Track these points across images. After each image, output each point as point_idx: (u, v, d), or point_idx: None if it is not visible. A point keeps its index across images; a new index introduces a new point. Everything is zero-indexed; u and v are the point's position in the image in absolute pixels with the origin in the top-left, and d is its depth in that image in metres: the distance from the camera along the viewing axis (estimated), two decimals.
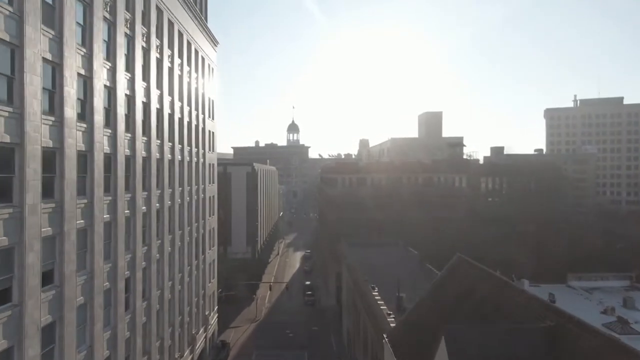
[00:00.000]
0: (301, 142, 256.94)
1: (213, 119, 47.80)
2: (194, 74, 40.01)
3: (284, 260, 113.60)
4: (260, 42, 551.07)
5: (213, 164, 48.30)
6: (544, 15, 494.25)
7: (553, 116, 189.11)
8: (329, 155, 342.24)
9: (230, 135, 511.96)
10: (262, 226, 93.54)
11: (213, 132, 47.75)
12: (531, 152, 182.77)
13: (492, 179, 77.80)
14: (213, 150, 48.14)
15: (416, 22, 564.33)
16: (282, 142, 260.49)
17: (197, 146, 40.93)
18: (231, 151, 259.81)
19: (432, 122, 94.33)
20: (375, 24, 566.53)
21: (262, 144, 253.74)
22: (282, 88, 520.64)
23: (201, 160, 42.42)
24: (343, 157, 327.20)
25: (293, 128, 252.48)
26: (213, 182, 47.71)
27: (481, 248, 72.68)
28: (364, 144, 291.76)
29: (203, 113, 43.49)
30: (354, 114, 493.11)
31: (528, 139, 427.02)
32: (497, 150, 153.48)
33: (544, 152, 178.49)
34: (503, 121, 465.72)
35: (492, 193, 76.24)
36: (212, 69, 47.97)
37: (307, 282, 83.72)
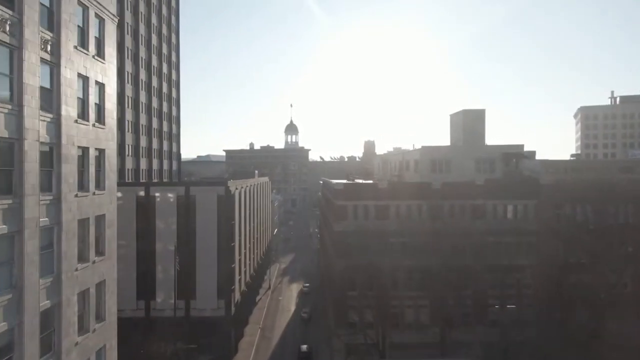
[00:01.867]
0: (300, 145, 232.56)
1: (103, 122, 23.69)
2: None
3: (277, 297, 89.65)
4: (258, 42, 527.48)
5: (108, 208, 24.11)
6: (545, 14, 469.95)
7: (589, 115, 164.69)
8: (331, 158, 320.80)
9: (226, 137, 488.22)
10: (243, 264, 69.67)
11: (104, 151, 23.61)
12: (557, 156, 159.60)
13: (570, 206, 53.64)
14: (103, 188, 23.89)
15: (418, 21, 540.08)
16: (279, 144, 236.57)
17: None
18: (224, 154, 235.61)
19: (472, 123, 70.21)
20: (376, 23, 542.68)
21: (257, 147, 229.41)
22: (281, 89, 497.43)
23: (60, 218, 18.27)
24: (346, 160, 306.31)
25: (291, 129, 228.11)
26: (102, 255, 23.52)
27: (571, 319, 48.76)
28: (369, 145, 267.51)
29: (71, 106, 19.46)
30: (356, 114, 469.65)
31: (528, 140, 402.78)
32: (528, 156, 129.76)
33: (572, 157, 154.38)
34: (512, 123, 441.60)
35: (573, 227, 52.16)
36: (103, 20, 24.01)
37: (304, 348, 59.97)
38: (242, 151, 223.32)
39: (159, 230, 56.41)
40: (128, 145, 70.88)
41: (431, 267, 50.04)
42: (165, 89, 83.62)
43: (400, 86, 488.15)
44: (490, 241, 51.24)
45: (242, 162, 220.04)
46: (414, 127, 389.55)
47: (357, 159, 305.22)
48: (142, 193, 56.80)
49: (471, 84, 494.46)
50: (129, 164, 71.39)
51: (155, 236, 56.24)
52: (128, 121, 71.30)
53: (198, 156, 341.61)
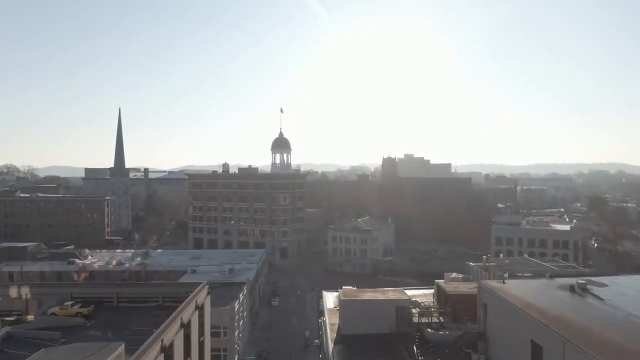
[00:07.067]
0: (294, 167, 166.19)
1: None
2: None
3: None
4: (251, 53, 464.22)
5: None
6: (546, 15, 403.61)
7: None
8: (337, 175, 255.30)
9: (211, 149, 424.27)
10: None
11: None
12: None
13: None
14: None
15: (421, 24, 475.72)
16: (266, 166, 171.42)
17: None
18: (202, 167, 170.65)
19: None
20: (376, 34, 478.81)
21: (235, 169, 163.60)
22: (272, 101, 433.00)
23: None
24: (357, 178, 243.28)
25: (281, 145, 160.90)
26: None
27: None
28: (390, 164, 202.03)
29: None
30: (357, 123, 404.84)
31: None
32: None
33: None
34: (519, 128, 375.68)
35: None
36: None
37: None
38: (212, 176, 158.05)
39: None
40: None
41: None
42: None
43: (403, 92, 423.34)
44: None
45: (210, 191, 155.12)
46: (420, 131, 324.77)
47: (370, 177, 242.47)
48: None
49: (474, 86, 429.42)
50: None
51: None
52: None
53: (170, 172, 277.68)
